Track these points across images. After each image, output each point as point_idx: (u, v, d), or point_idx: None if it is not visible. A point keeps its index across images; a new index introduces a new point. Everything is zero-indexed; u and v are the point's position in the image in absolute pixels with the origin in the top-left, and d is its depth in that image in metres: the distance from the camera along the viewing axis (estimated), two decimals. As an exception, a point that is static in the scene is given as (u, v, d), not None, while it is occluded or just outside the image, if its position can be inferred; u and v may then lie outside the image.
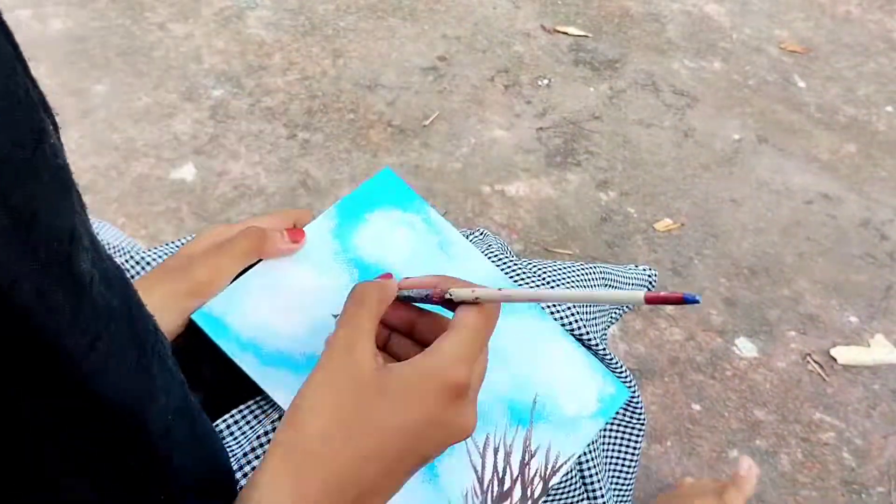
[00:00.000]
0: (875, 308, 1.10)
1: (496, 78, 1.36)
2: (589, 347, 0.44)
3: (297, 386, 0.33)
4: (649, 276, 0.61)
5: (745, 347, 1.05)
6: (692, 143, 1.30)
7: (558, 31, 1.46)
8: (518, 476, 0.37)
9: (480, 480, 0.36)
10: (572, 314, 0.45)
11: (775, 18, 1.56)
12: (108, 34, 1.34)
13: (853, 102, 1.41)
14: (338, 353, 0.30)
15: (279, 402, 0.36)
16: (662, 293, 0.26)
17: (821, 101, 1.40)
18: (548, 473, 0.37)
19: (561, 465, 0.38)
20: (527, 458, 0.37)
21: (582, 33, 1.47)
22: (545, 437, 0.38)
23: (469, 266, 0.43)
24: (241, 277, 0.39)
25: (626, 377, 0.47)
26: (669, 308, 1.08)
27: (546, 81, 1.37)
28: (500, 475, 0.37)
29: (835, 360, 1.04)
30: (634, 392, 0.48)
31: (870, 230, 1.20)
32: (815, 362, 1.04)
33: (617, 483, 0.52)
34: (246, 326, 0.37)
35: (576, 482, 0.49)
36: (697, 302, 0.25)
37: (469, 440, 0.37)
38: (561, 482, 0.47)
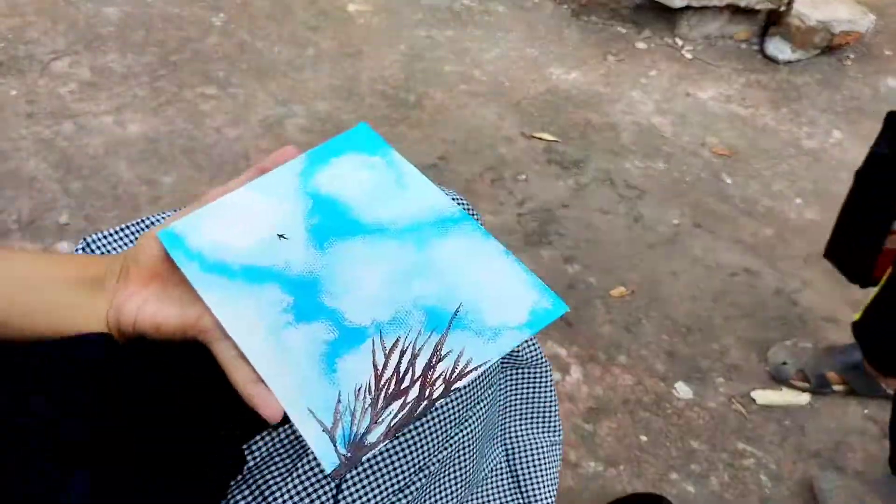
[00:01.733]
0: None
1: (484, 174, 1.52)
2: None
3: (229, 291, 0.35)
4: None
5: (683, 390, 1.17)
6: (641, 227, 1.45)
7: (535, 137, 1.63)
8: (420, 377, 0.34)
9: (377, 378, 0.34)
10: None
11: (707, 128, 1.73)
12: (174, 136, 1.50)
13: (769, 196, 1.56)
14: None
15: (208, 304, 0.35)
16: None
17: (744, 195, 1.56)
18: (453, 376, 0.34)
19: (470, 371, 0.35)
20: (434, 361, 0.35)
21: (554, 139, 1.63)
22: (459, 342, 0.35)
23: (420, 195, 0.40)
24: (209, 205, 0.39)
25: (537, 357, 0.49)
26: (622, 357, 1.25)
27: (524, 177, 1.53)
28: (401, 375, 0.34)
29: (754, 401, 1.16)
30: (546, 370, 0.50)
31: (783, 297, 1.35)
32: (739, 403, 1.16)
33: (541, 417, 0.51)
34: (197, 242, 0.37)
35: (508, 480, 0.48)
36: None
37: (377, 340, 0.35)
38: (491, 479, 0.46)
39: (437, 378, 0.34)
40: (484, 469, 0.47)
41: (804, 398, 1.19)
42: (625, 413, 1.13)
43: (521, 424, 0.51)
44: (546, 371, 0.52)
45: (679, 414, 1.14)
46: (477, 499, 0.47)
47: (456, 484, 0.44)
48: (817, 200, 1.59)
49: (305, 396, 0.33)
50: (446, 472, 0.44)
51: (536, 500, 0.50)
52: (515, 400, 0.52)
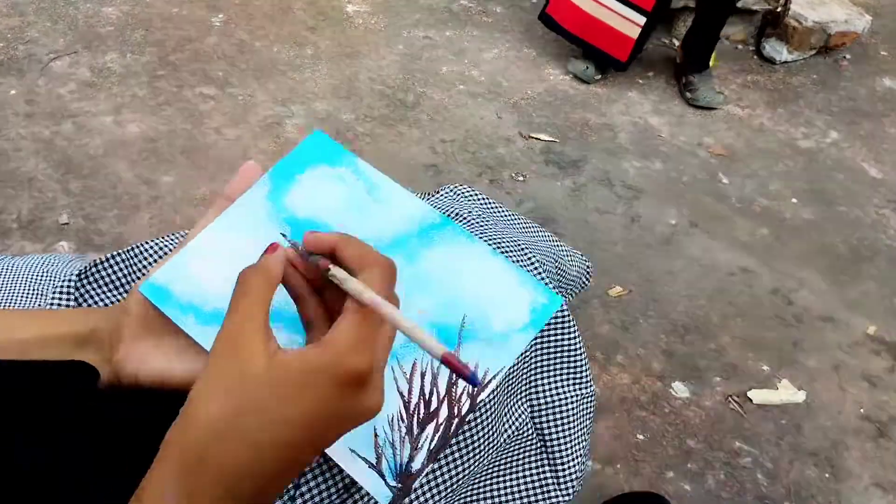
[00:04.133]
0: (783, 359, 1.24)
1: (483, 174, 1.52)
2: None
3: None
4: (588, 267, 0.56)
5: (680, 390, 1.17)
6: (638, 227, 1.45)
7: (533, 138, 1.62)
8: (445, 396, 0.34)
9: (407, 405, 0.34)
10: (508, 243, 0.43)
11: (704, 129, 1.73)
12: (174, 136, 1.49)
13: (766, 195, 1.57)
14: (224, 348, 0.27)
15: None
16: (459, 363, 0.25)
17: (740, 194, 1.56)
18: (476, 390, 0.35)
19: (490, 380, 0.35)
20: (454, 377, 0.35)
21: (551, 139, 1.63)
22: (473, 354, 0.35)
23: (397, 205, 0.39)
24: (181, 249, 0.37)
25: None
26: (619, 357, 1.26)
27: (523, 177, 1.53)
28: (427, 397, 0.34)
29: (751, 400, 1.16)
30: (571, 325, 0.47)
31: (779, 297, 1.35)
32: (735, 402, 1.16)
33: (569, 369, 0.48)
34: (185, 292, 0.35)
35: (534, 440, 0.46)
36: (476, 384, 0.25)
37: (396, 367, 0.35)
38: (518, 441, 0.44)
39: (461, 394, 0.35)
40: (508, 430, 0.45)
41: (801, 396, 1.19)
42: (622, 412, 1.13)
43: (547, 379, 0.49)
44: (569, 321, 0.48)
45: (676, 413, 1.14)
46: (503, 460, 0.45)
47: (476, 444, 0.42)
48: (813, 200, 1.59)
49: (344, 438, 0.31)
50: (466, 434, 0.43)
51: (563, 458, 0.48)
52: (541, 354, 0.50)
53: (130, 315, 0.35)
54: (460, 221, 0.49)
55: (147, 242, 0.48)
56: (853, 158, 1.74)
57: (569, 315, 0.49)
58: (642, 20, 1.67)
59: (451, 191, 0.56)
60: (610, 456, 1.07)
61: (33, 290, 0.48)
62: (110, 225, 1.33)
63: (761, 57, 2.02)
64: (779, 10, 1.99)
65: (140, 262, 0.47)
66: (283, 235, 0.36)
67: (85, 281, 0.47)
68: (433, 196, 0.57)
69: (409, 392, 0.35)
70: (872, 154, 1.76)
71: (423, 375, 0.35)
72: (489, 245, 0.40)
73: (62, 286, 0.47)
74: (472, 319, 0.37)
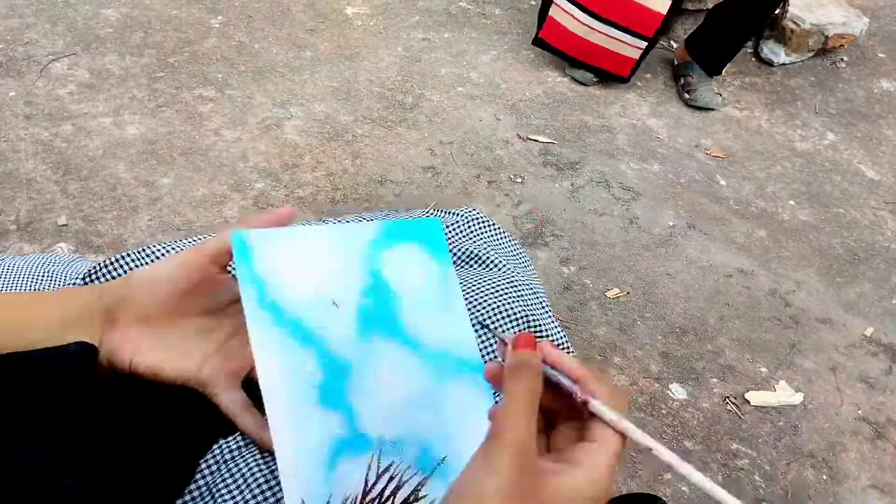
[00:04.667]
0: (780, 360, 1.24)
1: (481, 176, 1.52)
2: None
3: (273, 337, 0.34)
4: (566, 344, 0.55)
5: (677, 391, 1.17)
6: (636, 229, 1.45)
7: (531, 139, 1.63)
8: None
9: (365, 494, 0.36)
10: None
11: (702, 130, 1.74)
12: (173, 138, 1.49)
13: (763, 197, 1.57)
14: (515, 461, 0.27)
15: (252, 340, 0.35)
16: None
17: (738, 196, 1.56)
18: None
19: None
20: (411, 499, 0.37)
21: (549, 141, 1.63)
22: (435, 490, 0.38)
23: (458, 324, 0.42)
24: (285, 228, 0.39)
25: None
26: (617, 358, 1.25)
27: (521, 179, 1.53)
28: (383, 500, 0.36)
29: (748, 401, 1.16)
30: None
31: (776, 298, 1.35)
32: (733, 403, 1.16)
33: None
34: (263, 261, 0.37)
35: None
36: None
37: (377, 457, 0.37)
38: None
39: None
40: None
41: (798, 398, 1.19)
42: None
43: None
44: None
45: (674, 414, 1.14)
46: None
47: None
48: (811, 202, 1.59)
49: (302, 485, 0.35)
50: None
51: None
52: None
53: (132, 302, 0.35)
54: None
55: (156, 245, 0.49)
56: (850, 160, 1.75)
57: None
58: (643, 44, 1.66)
59: (470, 218, 0.56)
60: (608, 457, 1.08)
61: (34, 290, 0.49)
62: (109, 226, 1.33)
63: (759, 59, 2.03)
64: (776, 11, 2.00)
65: (150, 263, 0.47)
66: (334, 304, 0.39)
67: (95, 280, 0.47)
68: (451, 215, 0.57)
69: (372, 486, 0.36)
70: (870, 156, 1.76)
71: (390, 479, 0.37)
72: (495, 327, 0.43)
73: (68, 287, 0.47)
74: (449, 463, 0.39)
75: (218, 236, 0.38)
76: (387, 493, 0.36)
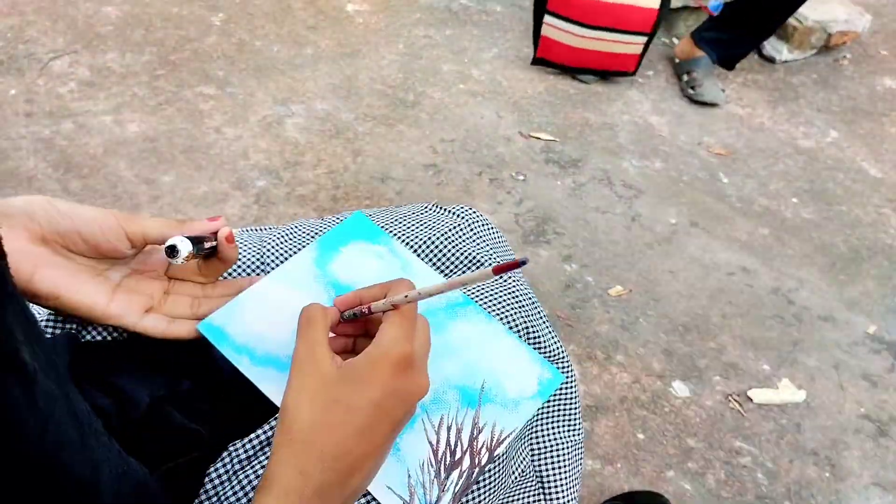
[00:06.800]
0: (783, 358, 1.24)
1: (483, 173, 1.52)
2: (531, 343, 0.48)
3: (282, 380, 0.35)
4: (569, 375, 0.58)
5: (680, 389, 1.17)
6: (638, 226, 1.45)
7: (533, 137, 1.63)
8: (468, 448, 0.40)
9: (435, 452, 0.40)
10: (515, 315, 0.48)
11: (704, 128, 1.73)
12: (173, 136, 1.49)
13: (766, 195, 1.57)
14: (302, 361, 0.33)
15: (267, 394, 0.39)
16: (506, 264, 0.30)
17: (740, 194, 1.56)
18: (493, 445, 0.41)
19: (504, 438, 0.41)
20: (475, 433, 0.41)
21: (551, 138, 1.63)
22: (491, 415, 0.42)
23: (426, 282, 0.43)
24: (238, 296, 0.42)
25: (564, 367, 0.50)
26: (619, 356, 1.26)
27: (522, 176, 1.53)
28: (452, 448, 0.40)
29: (751, 399, 1.16)
30: (571, 377, 0.51)
31: (779, 296, 1.35)
32: (736, 401, 1.16)
33: (565, 416, 0.53)
34: (240, 334, 0.40)
35: (534, 482, 0.50)
36: (526, 262, 0.29)
37: (426, 420, 0.41)
38: (520, 482, 0.49)
39: (481, 447, 0.41)
40: (514, 472, 0.49)
41: (801, 396, 1.19)
42: (622, 411, 1.13)
43: (546, 424, 0.53)
44: (570, 369, 0.53)
45: (676, 412, 1.14)
46: (509, 499, 0.49)
47: (491, 486, 0.45)
48: (813, 200, 1.59)
49: (382, 476, 0.39)
50: (484, 478, 0.46)
51: (559, 497, 0.52)
52: (543, 405, 0.54)
53: (36, 221, 0.35)
54: (480, 301, 0.52)
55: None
56: (853, 158, 1.74)
57: (568, 359, 0.54)
58: (643, 39, 1.66)
59: (471, 220, 0.56)
60: (610, 455, 1.08)
61: None
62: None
63: (761, 56, 2.02)
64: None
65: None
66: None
67: None
68: (450, 213, 0.57)
69: (437, 442, 0.40)
70: (872, 153, 1.76)
71: (448, 429, 0.41)
72: (504, 325, 0.47)
73: None
74: (490, 385, 0.43)
75: (145, 221, 0.39)
76: (452, 441, 0.40)
